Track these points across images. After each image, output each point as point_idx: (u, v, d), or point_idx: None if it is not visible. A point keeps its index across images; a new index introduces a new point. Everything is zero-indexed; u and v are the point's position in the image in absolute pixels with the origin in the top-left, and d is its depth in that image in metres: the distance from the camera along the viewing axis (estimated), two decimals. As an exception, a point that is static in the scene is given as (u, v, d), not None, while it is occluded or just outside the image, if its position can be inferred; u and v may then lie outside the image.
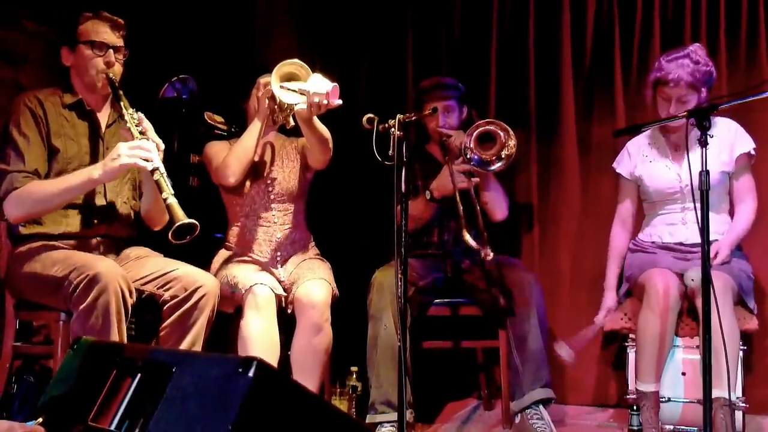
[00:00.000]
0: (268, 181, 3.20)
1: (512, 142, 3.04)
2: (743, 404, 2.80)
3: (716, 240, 2.96)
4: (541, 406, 3.01)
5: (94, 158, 2.73)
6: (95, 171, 2.55)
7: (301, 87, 2.84)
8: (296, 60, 2.90)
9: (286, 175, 3.22)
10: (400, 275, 2.46)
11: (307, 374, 2.87)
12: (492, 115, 3.92)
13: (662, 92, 2.99)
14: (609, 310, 3.16)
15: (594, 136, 3.81)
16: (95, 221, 2.74)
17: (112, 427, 1.76)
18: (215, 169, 3.13)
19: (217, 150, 3.19)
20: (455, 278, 3.32)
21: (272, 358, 2.80)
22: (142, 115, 2.67)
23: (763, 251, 3.35)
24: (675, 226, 3.09)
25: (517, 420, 3.06)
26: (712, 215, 2.48)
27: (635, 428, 2.93)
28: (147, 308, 2.64)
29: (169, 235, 2.40)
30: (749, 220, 3.04)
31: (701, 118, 2.35)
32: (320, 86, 2.81)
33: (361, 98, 4.11)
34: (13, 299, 2.72)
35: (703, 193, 2.31)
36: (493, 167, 3.07)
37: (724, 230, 3.04)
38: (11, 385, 2.87)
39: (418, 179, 3.39)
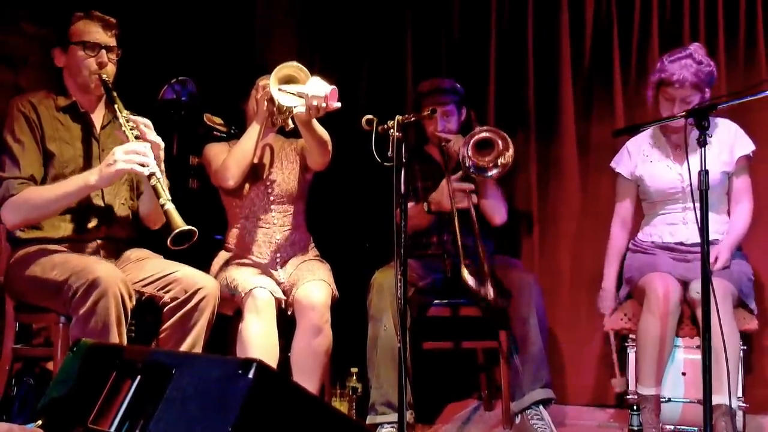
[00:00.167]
0: (268, 183, 3.20)
1: (509, 153, 3.04)
2: (743, 404, 2.81)
3: (716, 240, 2.96)
4: (541, 407, 3.01)
5: (90, 161, 2.72)
6: (91, 177, 2.53)
7: (299, 90, 2.84)
8: (295, 63, 2.90)
9: (285, 176, 3.22)
10: (399, 276, 2.46)
11: (307, 376, 2.87)
12: (491, 115, 3.94)
13: (666, 93, 2.99)
14: (609, 309, 3.16)
15: (593, 136, 3.81)
16: (94, 224, 2.73)
17: (112, 429, 1.76)
18: (214, 172, 3.13)
19: (216, 152, 3.19)
20: (455, 279, 3.32)
21: (272, 361, 2.80)
22: (138, 118, 2.64)
23: (763, 251, 3.35)
24: (676, 225, 3.09)
25: (518, 420, 3.06)
26: (712, 215, 2.48)
27: (635, 428, 2.93)
28: (147, 310, 2.64)
29: (168, 241, 2.40)
30: (747, 222, 3.05)
31: (700, 118, 2.35)
32: (319, 89, 2.81)
33: (360, 99, 4.12)
34: (12, 302, 2.72)
35: (702, 192, 2.31)
36: (489, 173, 3.07)
37: (724, 230, 3.04)
38: (11, 388, 2.86)
39: (417, 181, 3.39)
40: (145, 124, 2.62)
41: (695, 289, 2.83)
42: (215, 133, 3.63)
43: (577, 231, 3.82)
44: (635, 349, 2.93)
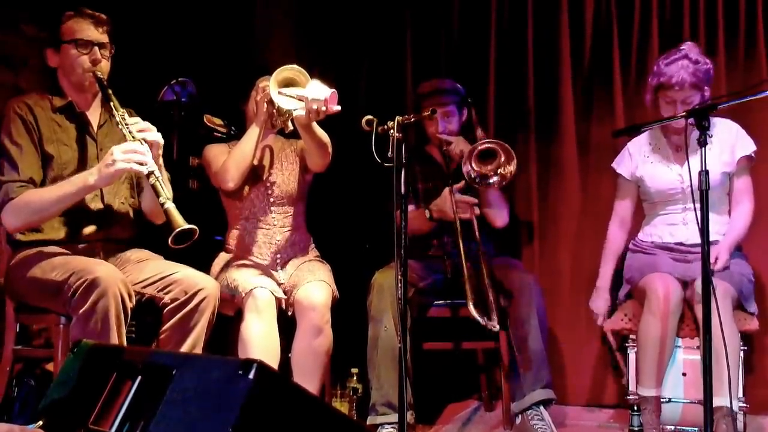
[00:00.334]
0: (268, 185, 3.20)
1: (510, 167, 3.03)
2: (744, 405, 2.80)
3: (717, 240, 2.96)
4: (541, 407, 3.01)
5: (89, 161, 2.71)
6: (91, 177, 2.52)
7: (299, 93, 2.84)
8: (295, 66, 2.89)
9: (285, 177, 3.22)
10: (399, 276, 2.46)
11: (308, 376, 2.87)
12: (491, 115, 3.94)
13: (666, 96, 2.98)
14: (603, 317, 3.16)
15: (593, 136, 3.81)
16: (94, 225, 2.72)
17: (113, 430, 1.76)
18: (214, 174, 3.13)
19: (215, 153, 3.19)
20: (455, 279, 3.32)
21: (272, 362, 2.80)
22: (136, 119, 2.63)
23: (764, 252, 3.35)
24: (676, 226, 3.09)
25: (518, 421, 3.05)
26: (712, 215, 2.48)
27: (635, 429, 2.93)
28: (147, 311, 2.63)
29: (169, 240, 2.40)
30: (747, 222, 3.04)
31: (700, 118, 2.35)
32: (319, 92, 2.80)
33: (360, 99, 4.12)
34: (13, 303, 2.72)
35: (702, 193, 2.31)
36: (490, 180, 3.06)
37: (724, 231, 3.04)
38: (12, 389, 2.87)
39: (417, 182, 3.39)
40: (144, 129, 2.61)
41: (697, 290, 2.83)
42: (215, 134, 3.63)
43: (577, 231, 3.82)
44: (635, 348, 2.93)
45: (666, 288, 2.84)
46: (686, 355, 2.91)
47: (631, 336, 3.00)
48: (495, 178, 3.05)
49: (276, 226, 3.19)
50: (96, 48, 2.69)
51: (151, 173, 2.49)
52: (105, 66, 2.72)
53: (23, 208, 2.56)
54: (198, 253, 3.17)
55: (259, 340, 2.82)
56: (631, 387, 2.95)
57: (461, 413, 3.62)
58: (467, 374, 3.79)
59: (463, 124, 3.41)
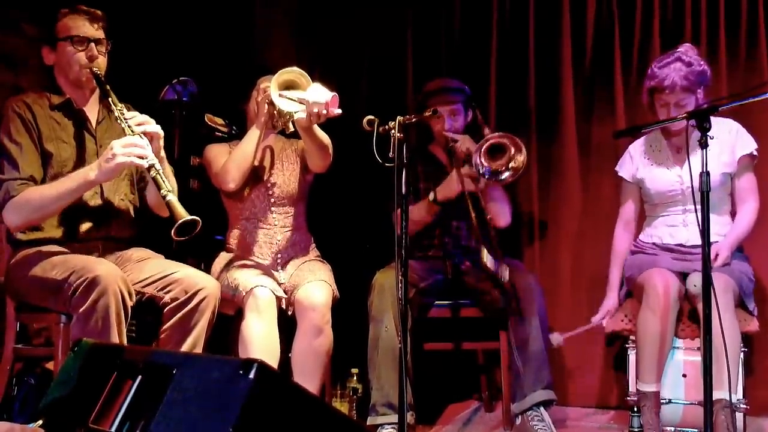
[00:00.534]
0: (268, 185, 3.20)
1: (521, 158, 3.03)
2: (744, 406, 2.80)
3: (717, 242, 2.96)
4: (542, 408, 3.01)
5: (88, 157, 2.71)
6: (91, 172, 2.52)
7: (300, 96, 2.84)
8: (296, 68, 2.89)
9: (286, 178, 3.22)
10: (400, 277, 2.46)
11: (308, 376, 2.87)
12: (492, 115, 3.94)
13: (659, 99, 3.00)
14: (609, 312, 3.16)
15: (594, 136, 3.81)
16: (94, 223, 2.72)
17: (113, 430, 1.75)
18: (215, 175, 3.13)
19: (215, 153, 3.19)
20: (456, 280, 3.32)
21: (273, 361, 2.80)
22: (134, 113, 2.63)
23: (765, 252, 3.35)
24: (676, 227, 3.09)
25: (518, 422, 3.05)
26: (713, 216, 2.48)
27: (636, 430, 2.93)
28: (147, 310, 2.63)
29: (172, 232, 2.39)
30: (750, 221, 3.04)
31: (701, 120, 2.35)
32: (320, 96, 2.80)
33: (361, 99, 4.11)
34: (13, 302, 2.72)
35: (703, 194, 2.31)
36: (501, 177, 3.06)
37: (725, 231, 3.03)
38: (12, 388, 2.87)
39: (420, 181, 3.38)
40: (143, 122, 2.61)
41: (693, 282, 2.83)
42: (217, 133, 3.63)
43: (578, 232, 3.82)
44: (635, 349, 2.93)
45: (665, 283, 2.84)
46: (686, 356, 2.91)
47: (631, 337, 3.00)
48: (507, 174, 3.05)
49: (277, 227, 3.19)
50: (92, 44, 2.68)
51: (151, 166, 2.48)
52: (102, 62, 2.71)
53: (24, 206, 2.55)
54: (198, 251, 3.18)
55: (260, 339, 2.82)
56: (631, 388, 2.95)
57: (461, 414, 3.62)
58: (468, 375, 3.79)
59: (469, 124, 3.41)
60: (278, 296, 2.93)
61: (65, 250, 2.65)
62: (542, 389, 3.01)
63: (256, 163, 3.14)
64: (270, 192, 3.20)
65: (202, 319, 2.60)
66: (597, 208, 3.72)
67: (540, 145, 3.89)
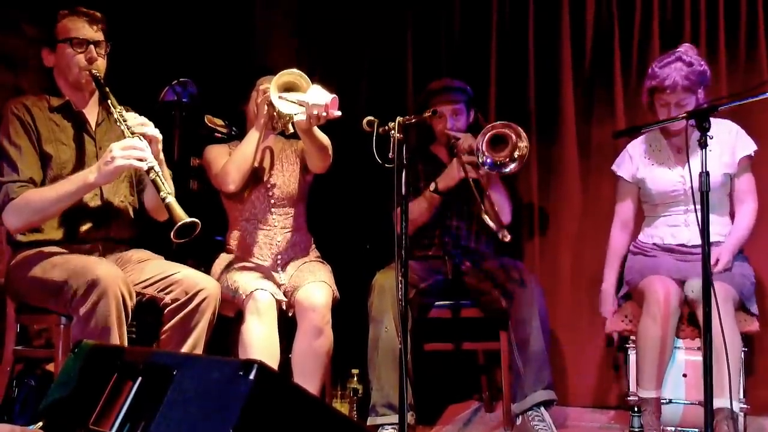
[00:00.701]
0: (268, 186, 3.20)
1: (523, 144, 3.04)
2: (744, 406, 2.80)
3: (718, 242, 2.96)
4: (542, 408, 3.01)
5: (88, 159, 2.71)
6: (91, 175, 2.52)
7: (300, 98, 2.84)
8: (295, 70, 2.89)
9: (285, 179, 3.22)
10: (400, 277, 2.46)
11: (308, 377, 2.87)
12: (492, 116, 3.93)
13: (660, 99, 3.00)
14: (611, 320, 3.15)
15: (594, 137, 3.81)
16: (93, 225, 2.72)
17: (113, 431, 1.76)
18: (215, 176, 3.13)
19: (215, 155, 3.19)
20: (456, 280, 3.32)
21: (273, 363, 2.80)
22: (133, 115, 2.63)
23: (765, 254, 3.35)
24: (677, 227, 3.09)
25: (519, 422, 3.05)
26: (713, 217, 2.49)
27: (636, 430, 2.93)
28: (148, 311, 2.63)
29: (171, 234, 2.40)
30: (750, 223, 3.04)
31: (701, 120, 2.35)
32: (319, 98, 2.80)
33: (361, 100, 4.11)
34: (13, 303, 2.72)
35: (703, 194, 2.31)
36: (507, 169, 3.06)
37: (726, 232, 3.03)
38: (12, 389, 2.87)
39: (420, 181, 3.38)
40: (142, 123, 2.61)
41: (691, 287, 2.83)
42: (216, 134, 3.63)
43: (577, 232, 3.82)
44: (635, 349, 2.93)
45: (665, 291, 2.84)
46: (687, 356, 2.91)
47: (632, 337, 3.00)
48: (512, 165, 3.05)
49: (277, 227, 3.19)
50: (91, 46, 2.68)
51: (150, 169, 2.48)
52: (101, 64, 2.71)
53: (24, 208, 2.55)
54: (198, 252, 3.18)
55: (260, 342, 2.82)
56: (632, 388, 2.95)
57: (462, 414, 3.62)
58: (468, 375, 3.79)
59: (470, 125, 3.41)
60: (278, 299, 2.93)
61: (65, 251, 2.65)
62: (543, 389, 3.01)
63: (256, 165, 3.14)
64: (270, 193, 3.20)
65: (203, 320, 2.60)
66: (597, 209, 3.72)
67: (540, 146, 3.89)
